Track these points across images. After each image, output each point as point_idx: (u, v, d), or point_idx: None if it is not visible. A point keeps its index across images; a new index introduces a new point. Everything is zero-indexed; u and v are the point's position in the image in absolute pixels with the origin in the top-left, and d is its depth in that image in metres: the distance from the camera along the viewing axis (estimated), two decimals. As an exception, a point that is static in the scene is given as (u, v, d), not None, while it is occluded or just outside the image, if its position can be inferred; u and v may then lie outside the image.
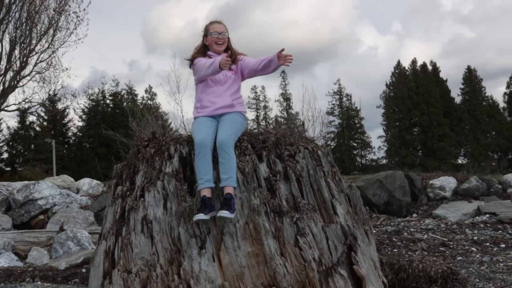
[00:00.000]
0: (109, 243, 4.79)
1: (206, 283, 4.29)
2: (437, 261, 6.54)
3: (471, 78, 68.35)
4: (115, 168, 5.22)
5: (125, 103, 57.67)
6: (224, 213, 4.23)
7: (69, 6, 23.27)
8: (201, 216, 4.25)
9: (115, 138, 5.52)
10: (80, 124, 59.30)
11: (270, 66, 4.75)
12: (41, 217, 10.99)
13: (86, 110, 58.17)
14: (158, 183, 4.65)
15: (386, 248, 7.68)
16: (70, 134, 60.41)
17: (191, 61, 5.02)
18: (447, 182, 12.86)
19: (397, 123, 64.10)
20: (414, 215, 11.53)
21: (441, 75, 67.88)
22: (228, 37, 5.02)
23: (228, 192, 4.36)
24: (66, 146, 58.52)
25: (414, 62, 67.22)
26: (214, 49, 4.97)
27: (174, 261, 4.44)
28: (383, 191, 11.62)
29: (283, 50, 4.58)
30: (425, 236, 8.65)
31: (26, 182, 12.69)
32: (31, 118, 54.63)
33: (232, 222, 4.39)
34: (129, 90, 60.85)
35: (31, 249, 8.37)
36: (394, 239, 8.23)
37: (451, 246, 7.80)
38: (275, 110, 67.10)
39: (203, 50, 5.04)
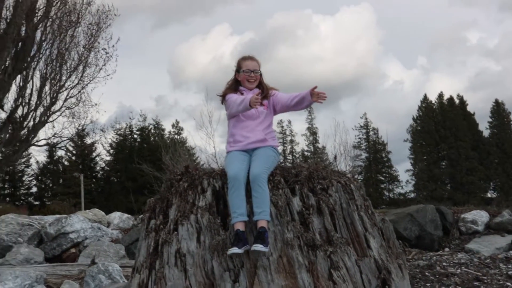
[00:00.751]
0: (142, 276, 4.82)
1: (240, 317, 4.28)
2: (472, 296, 6.44)
3: (499, 112, 68.00)
4: (148, 201, 5.28)
5: (152, 138, 58.36)
6: (258, 247, 4.24)
7: (98, 43, 23.74)
8: (235, 250, 4.26)
9: (148, 171, 5.59)
10: (108, 158, 60.05)
11: (303, 103, 4.81)
12: (73, 250, 11.10)
13: (113, 144, 58.92)
14: (191, 217, 4.69)
15: (419, 283, 7.56)
16: (98, 168, 61.18)
17: (223, 97, 5.09)
18: (479, 216, 12.70)
19: (425, 157, 63.73)
20: (446, 249, 11.37)
21: (468, 108, 67.66)
22: (261, 73, 5.09)
23: (261, 226, 4.37)
24: (94, 180, 59.18)
25: (440, 96, 67.21)
26: (245, 85, 5.04)
27: (207, 294, 4.45)
28: (414, 225, 11.52)
29: (316, 87, 4.63)
30: (458, 270, 8.50)
31: (58, 216, 12.86)
32: (60, 152, 55.52)
33: (265, 256, 4.38)
34: (156, 125, 61.63)
35: (63, 282, 8.40)
36: (426, 274, 8.11)
37: (486, 281, 7.65)
38: (301, 144, 67.22)
39: (234, 85, 5.10)
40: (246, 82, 5.01)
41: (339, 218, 4.71)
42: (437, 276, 7.94)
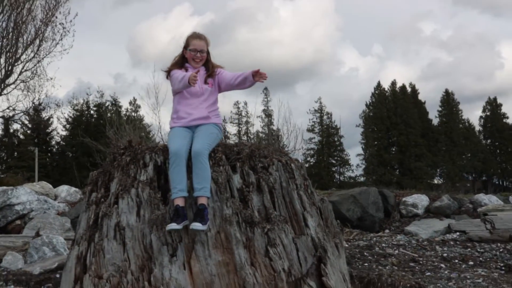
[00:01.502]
0: (81, 249, 4.82)
1: (175, 290, 4.34)
2: (406, 276, 6.67)
3: (449, 101, 70.05)
4: (91, 174, 5.27)
5: (109, 114, 57.64)
6: (197, 226, 4.30)
7: (56, 17, 23.36)
8: (173, 225, 4.31)
9: (91, 145, 5.58)
10: (64, 133, 59.09)
11: (245, 83, 4.88)
12: (18, 222, 10.98)
13: (70, 119, 57.98)
14: (132, 191, 4.71)
15: (357, 262, 7.78)
16: (53, 143, 60.12)
17: (168, 73, 5.11)
18: (420, 200, 13.11)
19: (376, 142, 65.05)
20: (387, 231, 11.70)
21: (420, 97, 69.26)
22: (208, 51, 5.11)
23: (201, 203, 4.43)
24: (49, 154, 58.21)
25: (393, 83, 68.45)
26: (191, 64, 5.06)
27: (145, 268, 4.49)
28: (356, 207, 11.80)
29: (258, 70, 4.71)
30: (396, 251, 8.78)
31: (4, 187, 12.66)
32: (15, 126, 54.35)
33: (204, 231, 4.45)
34: (113, 102, 60.79)
35: (6, 253, 8.36)
36: (365, 254, 8.35)
37: (421, 262, 7.92)
38: (256, 126, 67.38)
39: (181, 61, 5.12)
40: (192, 61, 5.04)
41: (278, 197, 4.81)
42: (375, 257, 8.18)
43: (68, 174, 50.54)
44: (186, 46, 5.08)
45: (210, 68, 5.03)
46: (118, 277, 4.50)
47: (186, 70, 4.99)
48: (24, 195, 11.28)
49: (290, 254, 4.63)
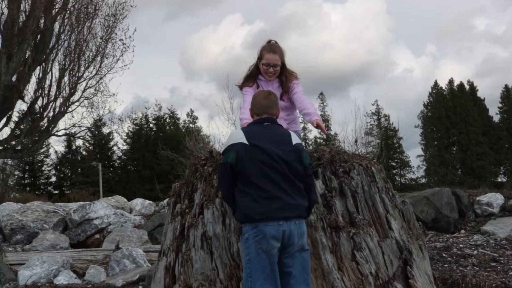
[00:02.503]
0: (169, 259, 4.93)
1: (265, 297, 4.39)
2: (491, 276, 6.52)
3: (509, 97, 67.69)
4: (174, 186, 5.38)
5: (167, 127, 58.68)
6: None
7: (116, 34, 23.93)
8: None
9: (172, 157, 5.73)
10: (125, 147, 60.50)
11: (305, 118, 5.00)
12: (97, 236, 11.31)
13: (130, 134, 59.31)
14: (216, 201, 4.77)
15: (437, 264, 7.66)
16: (115, 157, 61.63)
17: (240, 89, 5.22)
18: (494, 199, 12.75)
19: (436, 142, 63.74)
20: (462, 231, 11.44)
21: (478, 94, 67.39)
22: (284, 64, 5.11)
23: None
24: (111, 169, 59.66)
25: (451, 82, 67.00)
26: (264, 77, 5.11)
27: (233, 276, 4.55)
28: (430, 208, 11.62)
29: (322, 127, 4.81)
30: (475, 251, 8.59)
31: (82, 202, 13.09)
32: (78, 142, 56.00)
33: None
34: (171, 114, 61.88)
35: (89, 267, 8.64)
36: (444, 255, 8.21)
37: (502, 262, 7.73)
38: (314, 131, 67.12)
39: (255, 72, 5.18)
40: (265, 74, 5.09)
41: (361, 200, 4.81)
42: (454, 257, 8.03)
43: (131, 188, 51.65)
44: (260, 58, 5.10)
45: (284, 82, 5.07)
46: (207, 286, 4.59)
47: (258, 87, 5.05)
48: (102, 210, 11.62)
49: (376, 257, 4.63)
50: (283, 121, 4.94)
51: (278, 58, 5.03)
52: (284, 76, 5.10)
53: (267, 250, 3.83)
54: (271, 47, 5.07)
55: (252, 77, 5.15)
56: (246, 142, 3.97)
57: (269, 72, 5.03)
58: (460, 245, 9.20)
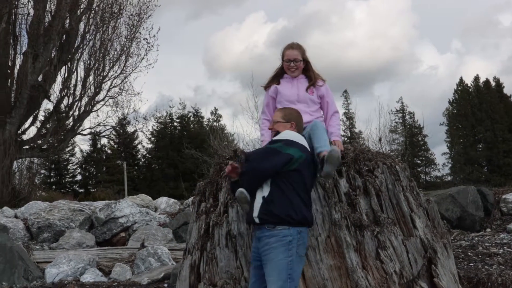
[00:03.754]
0: (194, 258, 4.98)
1: (290, 295, 4.42)
2: (517, 275, 6.46)
3: (535, 94, 66.45)
4: (198, 185, 5.43)
5: (192, 126, 58.95)
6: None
7: (140, 33, 24.12)
8: None
9: (197, 156, 5.78)
10: (149, 146, 60.83)
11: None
12: (122, 234, 11.42)
13: (154, 132, 59.62)
14: (241, 199, 4.83)
15: (462, 262, 7.60)
16: (139, 156, 61.99)
17: (265, 89, 5.29)
18: (520, 197, 12.59)
19: (461, 140, 62.90)
20: (488, 229, 11.34)
21: (505, 91, 66.37)
22: (306, 60, 5.16)
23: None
24: (136, 167, 60.04)
25: (476, 79, 66.04)
26: (288, 74, 5.17)
27: (258, 274, 4.60)
28: (455, 206, 11.54)
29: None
30: (501, 250, 8.51)
31: (107, 201, 13.21)
32: (103, 141, 56.51)
33: (314, 236, 4.51)
34: (195, 113, 62.08)
35: (115, 265, 8.74)
36: (469, 254, 8.15)
37: (529, 260, 7.66)
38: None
39: (280, 72, 5.24)
40: (288, 71, 5.15)
41: (385, 199, 4.81)
42: (480, 256, 7.97)
43: (155, 186, 51.93)
44: (282, 57, 5.19)
45: (312, 78, 5.10)
46: (232, 284, 4.63)
47: (279, 83, 5.13)
48: (127, 208, 11.74)
49: (400, 256, 4.62)
50: (308, 116, 4.93)
51: (297, 53, 5.13)
52: (312, 71, 5.16)
53: (302, 256, 4.04)
54: (291, 44, 5.20)
55: (276, 77, 5.24)
56: (309, 150, 4.24)
57: (291, 68, 5.11)
58: (486, 244, 9.12)
